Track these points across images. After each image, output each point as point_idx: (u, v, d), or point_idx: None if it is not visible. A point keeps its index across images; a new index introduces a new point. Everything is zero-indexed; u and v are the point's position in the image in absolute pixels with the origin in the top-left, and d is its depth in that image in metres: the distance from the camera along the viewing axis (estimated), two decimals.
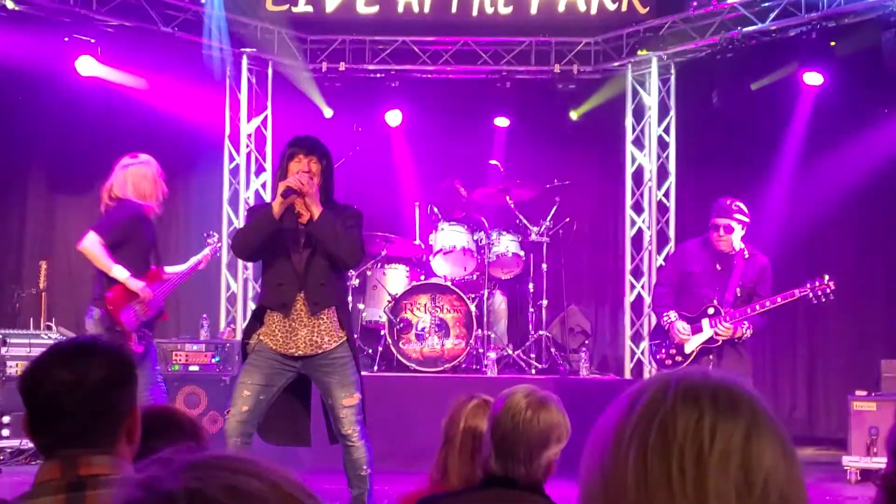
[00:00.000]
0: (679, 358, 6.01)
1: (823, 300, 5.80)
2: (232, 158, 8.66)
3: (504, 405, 2.57)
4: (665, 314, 6.05)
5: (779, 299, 5.81)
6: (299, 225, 4.47)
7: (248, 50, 8.57)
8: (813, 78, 7.68)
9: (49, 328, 7.45)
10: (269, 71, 8.77)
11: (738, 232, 5.90)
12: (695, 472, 0.91)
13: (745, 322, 5.84)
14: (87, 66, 7.88)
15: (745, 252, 5.98)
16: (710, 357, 5.97)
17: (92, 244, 5.47)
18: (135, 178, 5.74)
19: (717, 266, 5.99)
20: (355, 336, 4.79)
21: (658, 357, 6.13)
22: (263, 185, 8.74)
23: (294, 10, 8.49)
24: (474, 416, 2.91)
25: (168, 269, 5.94)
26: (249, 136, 8.72)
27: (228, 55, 8.28)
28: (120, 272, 5.39)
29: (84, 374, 1.87)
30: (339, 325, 4.51)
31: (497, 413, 2.57)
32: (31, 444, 6.93)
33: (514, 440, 2.51)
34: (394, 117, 8.89)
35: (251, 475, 0.90)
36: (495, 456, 2.52)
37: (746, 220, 5.92)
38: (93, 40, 7.73)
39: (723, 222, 5.88)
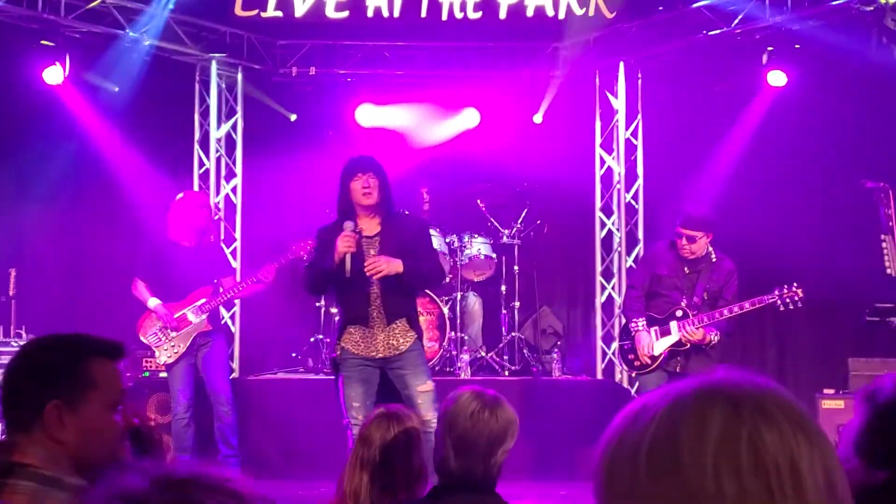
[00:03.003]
0: (647, 360, 6.08)
1: (791, 307, 5.87)
2: (202, 163, 8.63)
3: (454, 407, 2.61)
4: (634, 320, 6.12)
5: (747, 305, 5.87)
6: (364, 238, 5.02)
7: (217, 55, 8.55)
8: (777, 79, 7.78)
9: (19, 335, 7.39)
10: (239, 76, 8.75)
11: (703, 241, 5.97)
12: (793, 489, 0.91)
13: (713, 328, 5.91)
14: (54, 75, 7.84)
15: (713, 256, 6.05)
16: (678, 359, 6.03)
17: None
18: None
19: (685, 269, 6.06)
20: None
21: (628, 357, 6.20)
22: (234, 190, 8.71)
23: (263, 14, 8.45)
24: (372, 425, 2.93)
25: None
26: (219, 140, 8.69)
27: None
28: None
29: (14, 359, 2.06)
30: (409, 326, 5.09)
31: (450, 415, 2.61)
32: None
33: (473, 438, 2.55)
34: (364, 118, 8.90)
35: (224, 494, 0.94)
36: (454, 455, 2.57)
37: (712, 230, 5.97)
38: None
39: (686, 233, 5.94)
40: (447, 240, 8.00)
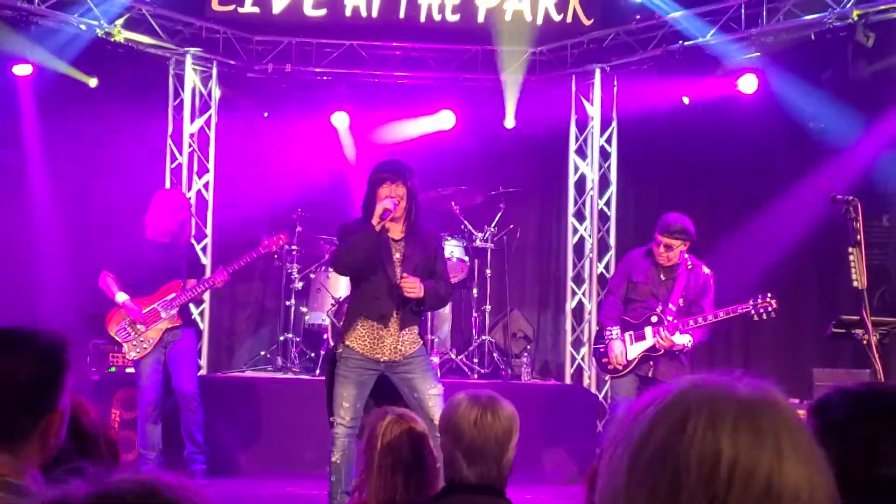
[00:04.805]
0: (620, 366, 6.12)
1: (765, 317, 5.92)
2: (174, 158, 8.57)
3: (456, 417, 2.60)
4: (609, 328, 6.16)
5: (721, 314, 5.92)
6: (390, 240, 5.08)
7: (192, 50, 8.49)
8: (748, 86, 7.86)
9: None
10: (214, 71, 8.70)
11: (680, 248, 6.03)
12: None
13: (687, 334, 5.96)
14: (24, 67, 7.76)
15: (689, 263, 6.11)
16: (650, 364, 6.08)
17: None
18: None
19: (661, 276, 6.11)
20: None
21: (602, 361, 6.24)
22: (206, 186, 8.65)
23: (240, 10, 8.43)
24: (391, 433, 2.90)
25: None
26: (192, 135, 8.63)
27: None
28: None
29: (11, 369, 1.80)
30: (418, 335, 5.18)
31: (453, 425, 2.59)
32: None
33: (482, 444, 2.55)
34: (340, 119, 8.89)
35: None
36: (467, 465, 2.56)
37: (690, 238, 6.04)
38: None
39: (664, 240, 6.00)
40: None
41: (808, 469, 0.93)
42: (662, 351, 6.01)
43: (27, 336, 1.86)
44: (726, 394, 0.95)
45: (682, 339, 5.97)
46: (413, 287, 4.97)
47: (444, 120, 8.93)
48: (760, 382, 0.98)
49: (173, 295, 6.55)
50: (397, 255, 5.10)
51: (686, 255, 6.10)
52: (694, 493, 0.89)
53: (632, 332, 6.09)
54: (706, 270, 6.18)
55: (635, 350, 6.06)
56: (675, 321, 5.97)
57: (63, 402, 1.88)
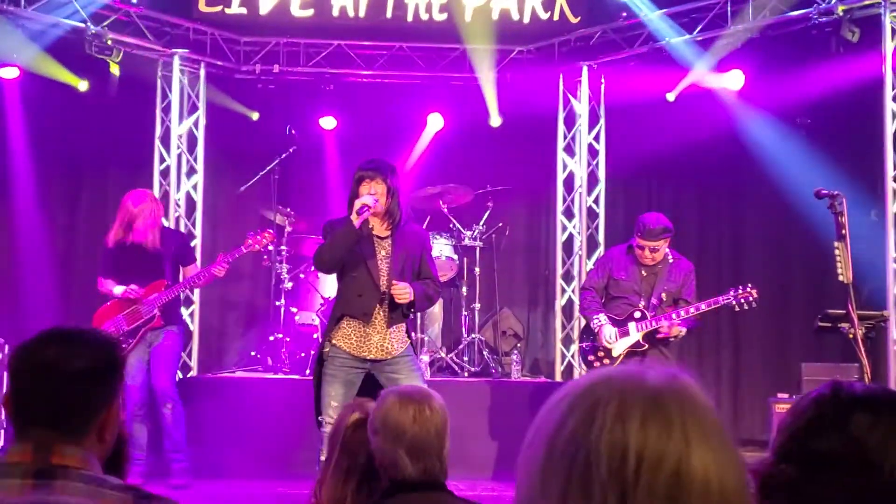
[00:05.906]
0: (607, 361, 6.14)
1: (746, 307, 5.96)
2: (162, 159, 8.56)
3: (395, 417, 2.52)
4: (595, 317, 6.17)
5: (703, 306, 5.95)
6: (375, 237, 5.08)
7: (180, 51, 8.48)
8: (734, 82, 7.90)
9: None
10: (202, 72, 8.69)
11: (664, 246, 6.06)
12: (676, 489, 0.90)
13: (678, 325, 5.99)
14: (10, 71, 7.75)
15: (669, 257, 6.13)
16: (637, 359, 6.10)
17: None
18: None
19: (643, 272, 6.13)
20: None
21: (588, 359, 6.25)
22: (195, 187, 8.65)
23: (227, 11, 8.43)
24: (353, 433, 2.81)
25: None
26: (181, 137, 8.62)
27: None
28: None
29: (65, 360, 1.87)
30: (406, 334, 5.17)
31: (390, 426, 2.53)
32: None
33: (424, 438, 2.52)
34: (328, 122, 8.90)
35: None
36: (411, 462, 2.52)
37: (671, 233, 6.06)
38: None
39: (648, 244, 6.00)
40: None
41: (717, 455, 0.93)
42: (647, 346, 6.05)
43: (82, 332, 1.95)
44: (635, 385, 0.96)
45: (678, 330, 6.00)
46: (403, 293, 4.98)
47: (433, 124, 8.95)
48: (671, 370, 1.00)
49: (155, 295, 6.54)
50: (383, 253, 5.10)
51: (667, 250, 6.13)
52: (605, 484, 0.90)
53: (616, 330, 6.11)
54: (688, 263, 6.21)
55: (621, 346, 6.09)
56: (659, 316, 6.00)
57: (116, 401, 1.93)
